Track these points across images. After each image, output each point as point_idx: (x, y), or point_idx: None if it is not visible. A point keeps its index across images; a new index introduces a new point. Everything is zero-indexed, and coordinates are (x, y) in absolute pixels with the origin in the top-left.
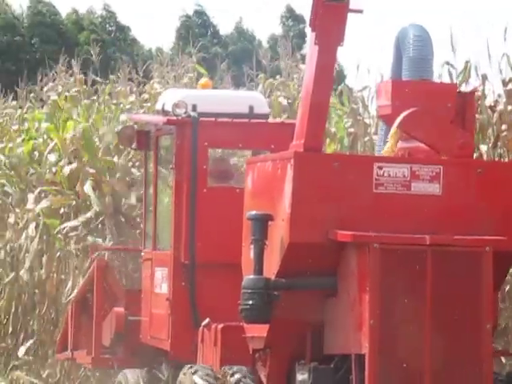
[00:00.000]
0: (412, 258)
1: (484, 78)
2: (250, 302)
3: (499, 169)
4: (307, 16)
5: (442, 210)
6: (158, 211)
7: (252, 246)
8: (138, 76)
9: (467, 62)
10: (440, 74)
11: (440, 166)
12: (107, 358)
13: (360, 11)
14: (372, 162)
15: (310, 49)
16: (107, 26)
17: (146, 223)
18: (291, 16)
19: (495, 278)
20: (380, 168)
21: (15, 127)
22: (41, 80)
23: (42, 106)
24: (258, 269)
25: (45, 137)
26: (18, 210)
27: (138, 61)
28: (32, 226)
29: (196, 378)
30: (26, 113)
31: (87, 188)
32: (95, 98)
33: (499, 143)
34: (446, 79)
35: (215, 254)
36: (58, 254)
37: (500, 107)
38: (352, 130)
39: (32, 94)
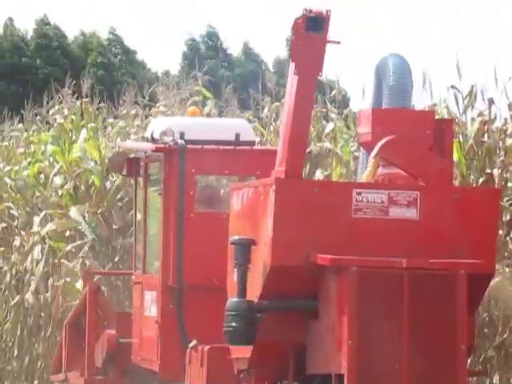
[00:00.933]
0: (389, 280)
1: (490, 101)
2: (233, 324)
3: (475, 194)
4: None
5: (419, 235)
6: (148, 236)
7: (235, 270)
8: (144, 100)
9: (473, 86)
10: (445, 98)
11: (417, 191)
12: (100, 379)
13: (338, 42)
14: (351, 188)
15: (289, 78)
16: (113, 49)
17: (136, 247)
18: None
19: (471, 301)
20: (359, 194)
21: (21, 150)
22: (47, 103)
23: (49, 129)
24: (241, 292)
25: (51, 159)
26: (23, 233)
27: (144, 84)
28: (38, 248)
29: None
30: (31, 136)
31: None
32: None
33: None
34: (452, 103)
35: (202, 278)
36: (64, 277)
37: (510, 130)
38: (358, 153)
39: (38, 117)
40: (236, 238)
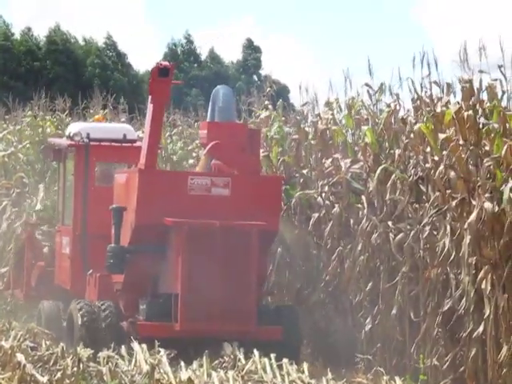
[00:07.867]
0: (208, 235)
1: (397, 96)
2: (111, 261)
3: (267, 180)
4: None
5: (230, 206)
6: (65, 200)
7: (113, 227)
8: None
9: (382, 84)
10: (360, 93)
11: (229, 178)
12: (33, 294)
13: (179, 83)
14: (187, 176)
15: (148, 106)
16: (108, 51)
17: (59, 208)
18: (250, 46)
19: (262, 249)
20: (192, 179)
21: (29, 132)
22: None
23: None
24: (116, 240)
25: None
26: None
27: (132, 82)
28: None
29: (78, 308)
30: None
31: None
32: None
33: (409, 147)
34: (366, 98)
35: (98, 228)
36: None
37: (410, 119)
38: (296, 136)
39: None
40: (114, 206)
